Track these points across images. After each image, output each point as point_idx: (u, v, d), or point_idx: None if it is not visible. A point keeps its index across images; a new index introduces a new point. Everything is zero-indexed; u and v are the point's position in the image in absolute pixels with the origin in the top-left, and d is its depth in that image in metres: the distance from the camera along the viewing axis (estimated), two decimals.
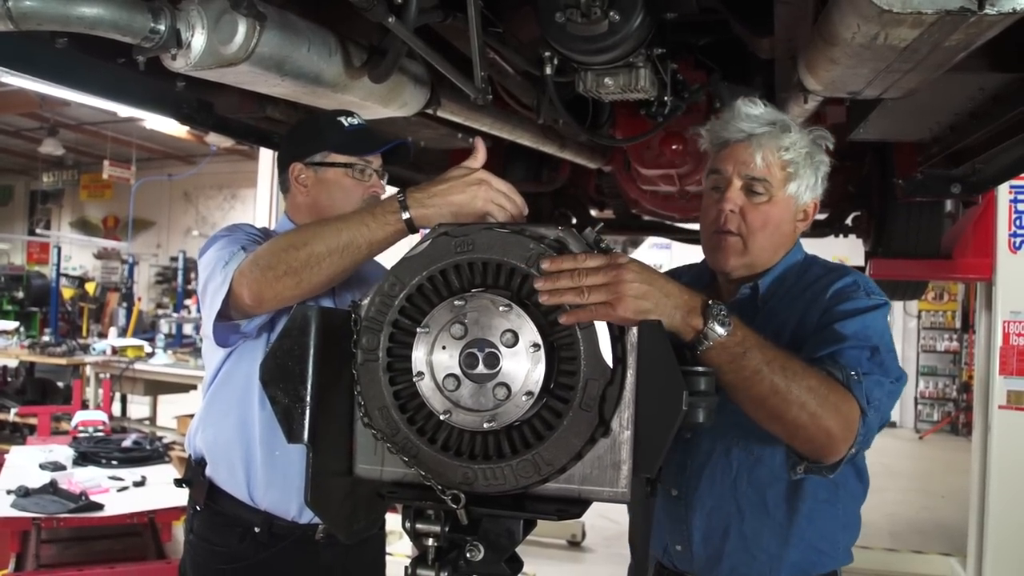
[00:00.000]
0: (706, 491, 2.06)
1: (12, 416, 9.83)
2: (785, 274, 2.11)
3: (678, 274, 2.32)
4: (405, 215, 1.85)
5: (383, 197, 2.31)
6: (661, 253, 14.72)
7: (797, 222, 2.12)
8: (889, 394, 1.82)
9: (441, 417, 1.44)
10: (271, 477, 2.36)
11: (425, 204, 1.82)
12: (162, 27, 1.83)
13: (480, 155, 1.86)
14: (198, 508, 2.47)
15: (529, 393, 1.38)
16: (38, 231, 23.22)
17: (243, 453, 2.37)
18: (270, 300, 2.02)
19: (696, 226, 5.49)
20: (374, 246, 1.93)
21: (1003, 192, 5.64)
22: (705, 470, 2.06)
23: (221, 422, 2.41)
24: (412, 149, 2.54)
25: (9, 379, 11.19)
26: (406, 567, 1.49)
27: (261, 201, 11.02)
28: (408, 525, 1.49)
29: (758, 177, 2.02)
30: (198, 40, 1.89)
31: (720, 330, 1.54)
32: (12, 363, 11.42)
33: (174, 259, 16.81)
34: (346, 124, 2.39)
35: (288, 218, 2.52)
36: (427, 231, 1.60)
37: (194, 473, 2.48)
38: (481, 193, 1.77)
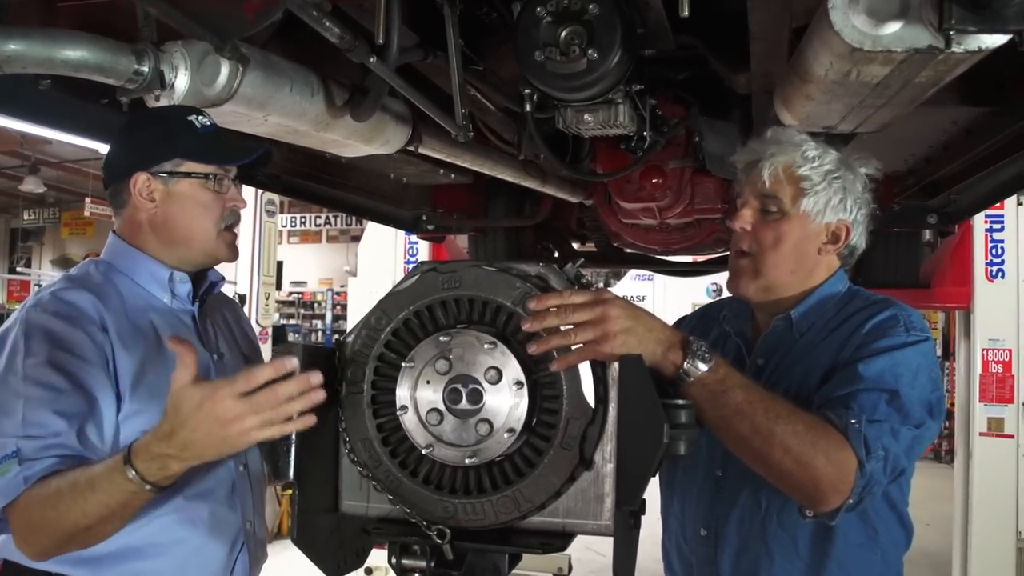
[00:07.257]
0: (734, 530, 1.97)
1: None
2: (822, 305, 2.00)
3: (720, 306, 2.24)
4: (146, 484, 1.55)
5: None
6: (644, 284, 14.81)
7: (824, 245, 1.99)
8: (908, 441, 1.73)
9: (423, 451, 1.45)
10: None
11: (183, 458, 1.53)
12: (146, 69, 1.84)
13: (188, 359, 1.51)
14: None
15: (511, 430, 1.39)
16: (19, 269, 23.05)
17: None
18: (58, 555, 1.71)
19: (677, 258, 5.61)
20: (157, 497, 1.63)
21: (979, 221, 5.72)
22: (735, 509, 1.97)
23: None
24: (271, 156, 2.11)
25: None
26: None
27: (244, 234, 11.06)
28: (394, 561, 1.49)
29: (768, 194, 1.95)
30: (181, 81, 1.90)
31: (700, 366, 1.54)
32: None
33: None
34: (198, 125, 1.95)
35: (122, 240, 2.09)
36: None
37: None
38: (231, 423, 1.45)
